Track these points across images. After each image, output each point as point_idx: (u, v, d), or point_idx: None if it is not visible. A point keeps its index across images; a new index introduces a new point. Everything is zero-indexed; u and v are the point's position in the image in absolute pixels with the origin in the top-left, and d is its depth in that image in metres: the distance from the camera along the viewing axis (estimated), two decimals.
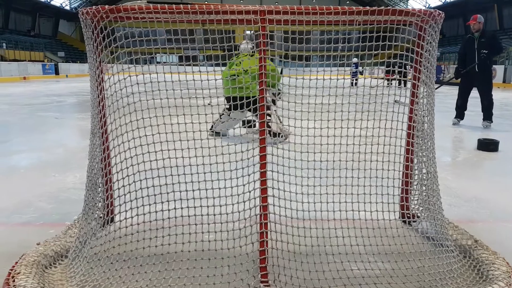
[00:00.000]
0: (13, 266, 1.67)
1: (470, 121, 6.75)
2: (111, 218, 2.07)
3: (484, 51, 6.29)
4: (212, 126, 4.89)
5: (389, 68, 2.22)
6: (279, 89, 3.64)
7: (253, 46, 5.15)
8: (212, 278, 1.66)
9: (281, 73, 3.93)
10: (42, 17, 39.80)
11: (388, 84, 10.82)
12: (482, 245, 1.92)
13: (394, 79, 11.68)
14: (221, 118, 4.87)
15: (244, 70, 4.45)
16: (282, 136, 4.43)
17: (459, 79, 6.74)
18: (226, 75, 4.86)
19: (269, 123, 3.79)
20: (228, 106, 4.62)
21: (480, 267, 1.77)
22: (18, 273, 1.61)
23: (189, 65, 1.82)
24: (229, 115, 4.79)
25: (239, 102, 1.96)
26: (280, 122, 4.54)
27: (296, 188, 1.84)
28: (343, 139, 1.92)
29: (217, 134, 4.89)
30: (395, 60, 2.01)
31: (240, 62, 5.02)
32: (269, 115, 4.12)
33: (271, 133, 4.33)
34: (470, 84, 6.57)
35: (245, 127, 5.50)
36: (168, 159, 1.85)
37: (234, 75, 4.69)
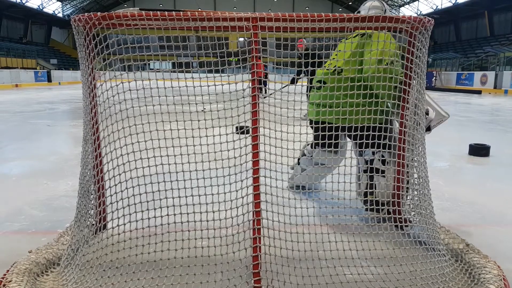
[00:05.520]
0: (5, 275, 1.66)
1: (461, 127, 6.82)
2: (104, 225, 2.06)
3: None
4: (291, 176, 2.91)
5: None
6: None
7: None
8: (205, 285, 1.66)
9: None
10: (34, 24, 39.64)
11: None
12: (473, 248, 1.94)
13: None
14: (299, 163, 2.92)
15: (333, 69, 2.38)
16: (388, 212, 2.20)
17: None
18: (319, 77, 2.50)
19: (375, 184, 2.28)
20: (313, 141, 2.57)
21: (471, 271, 1.79)
22: (10, 281, 1.60)
23: (182, 71, 1.83)
24: (311, 157, 2.72)
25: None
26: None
27: (289, 194, 1.85)
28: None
29: (298, 187, 2.87)
30: (386, 67, 2.03)
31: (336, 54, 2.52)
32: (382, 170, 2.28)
33: (369, 202, 2.24)
34: None
35: (237, 133, 5.14)
36: (161, 166, 1.85)
37: (319, 81, 2.46)
